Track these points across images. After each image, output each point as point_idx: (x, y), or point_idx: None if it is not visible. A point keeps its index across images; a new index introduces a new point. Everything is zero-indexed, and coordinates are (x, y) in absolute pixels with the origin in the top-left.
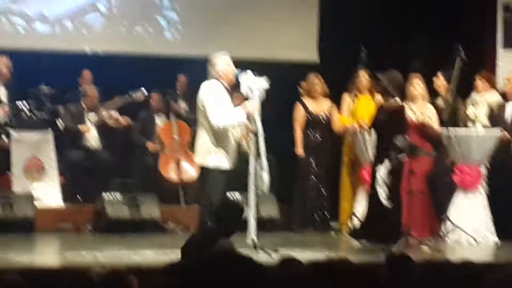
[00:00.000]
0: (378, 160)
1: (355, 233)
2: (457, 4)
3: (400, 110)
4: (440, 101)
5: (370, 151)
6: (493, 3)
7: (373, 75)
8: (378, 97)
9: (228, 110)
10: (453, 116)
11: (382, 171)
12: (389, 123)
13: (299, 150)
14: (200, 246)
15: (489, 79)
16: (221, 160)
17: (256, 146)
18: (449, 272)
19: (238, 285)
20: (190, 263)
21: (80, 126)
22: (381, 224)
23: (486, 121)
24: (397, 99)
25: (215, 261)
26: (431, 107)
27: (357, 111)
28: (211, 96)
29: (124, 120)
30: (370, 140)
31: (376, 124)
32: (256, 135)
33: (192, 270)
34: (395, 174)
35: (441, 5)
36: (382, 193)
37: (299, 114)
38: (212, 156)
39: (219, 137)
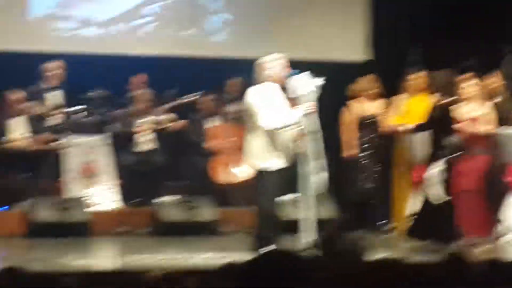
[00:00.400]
0: (432, 159)
1: (409, 234)
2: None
3: (453, 109)
4: (494, 101)
5: (421, 152)
6: None
7: (426, 75)
8: (432, 97)
9: (279, 112)
10: (508, 116)
11: (436, 170)
12: (442, 122)
13: (346, 152)
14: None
15: None
16: (275, 162)
17: (314, 146)
18: (504, 272)
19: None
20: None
21: (138, 128)
22: (435, 224)
23: None
24: (450, 98)
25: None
26: (486, 106)
27: (410, 111)
28: (260, 98)
29: (180, 123)
30: (422, 141)
31: (431, 123)
32: (314, 134)
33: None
34: (448, 174)
35: (492, 4)
36: (436, 193)
37: (348, 116)
38: (265, 158)
39: (272, 139)
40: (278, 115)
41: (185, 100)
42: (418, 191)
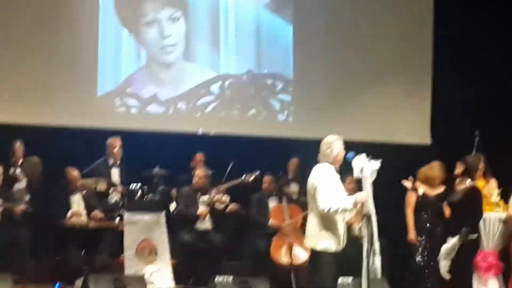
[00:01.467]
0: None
1: None
2: None
3: (475, 192)
4: None
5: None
6: None
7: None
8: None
9: (338, 195)
10: None
11: (448, 245)
12: (465, 203)
13: (411, 235)
14: None
15: None
16: (331, 244)
17: (368, 230)
18: None
19: None
20: None
21: (198, 211)
22: None
23: None
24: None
25: None
26: None
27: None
28: (324, 180)
29: (233, 207)
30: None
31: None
32: (368, 218)
33: None
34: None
35: None
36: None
37: (412, 198)
38: (322, 239)
39: (330, 220)
40: (336, 199)
41: (245, 180)
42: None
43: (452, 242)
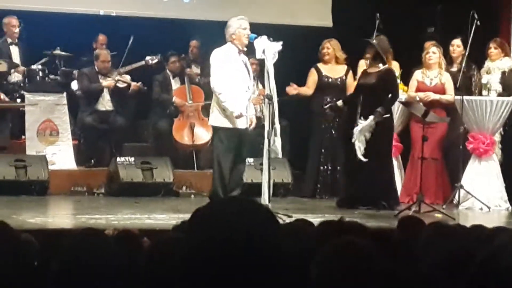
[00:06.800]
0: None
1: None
2: None
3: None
4: (455, 68)
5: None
6: None
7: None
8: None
9: (230, 77)
10: (468, 84)
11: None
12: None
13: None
14: None
15: (502, 46)
16: (234, 122)
17: (269, 111)
18: (460, 235)
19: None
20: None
21: (102, 83)
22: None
23: (500, 89)
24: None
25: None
26: (446, 74)
27: None
28: (217, 61)
29: (135, 86)
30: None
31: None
32: (270, 99)
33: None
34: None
35: None
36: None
37: (311, 79)
38: (226, 118)
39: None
40: (228, 80)
41: (145, 63)
42: None
43: (366, 123)
